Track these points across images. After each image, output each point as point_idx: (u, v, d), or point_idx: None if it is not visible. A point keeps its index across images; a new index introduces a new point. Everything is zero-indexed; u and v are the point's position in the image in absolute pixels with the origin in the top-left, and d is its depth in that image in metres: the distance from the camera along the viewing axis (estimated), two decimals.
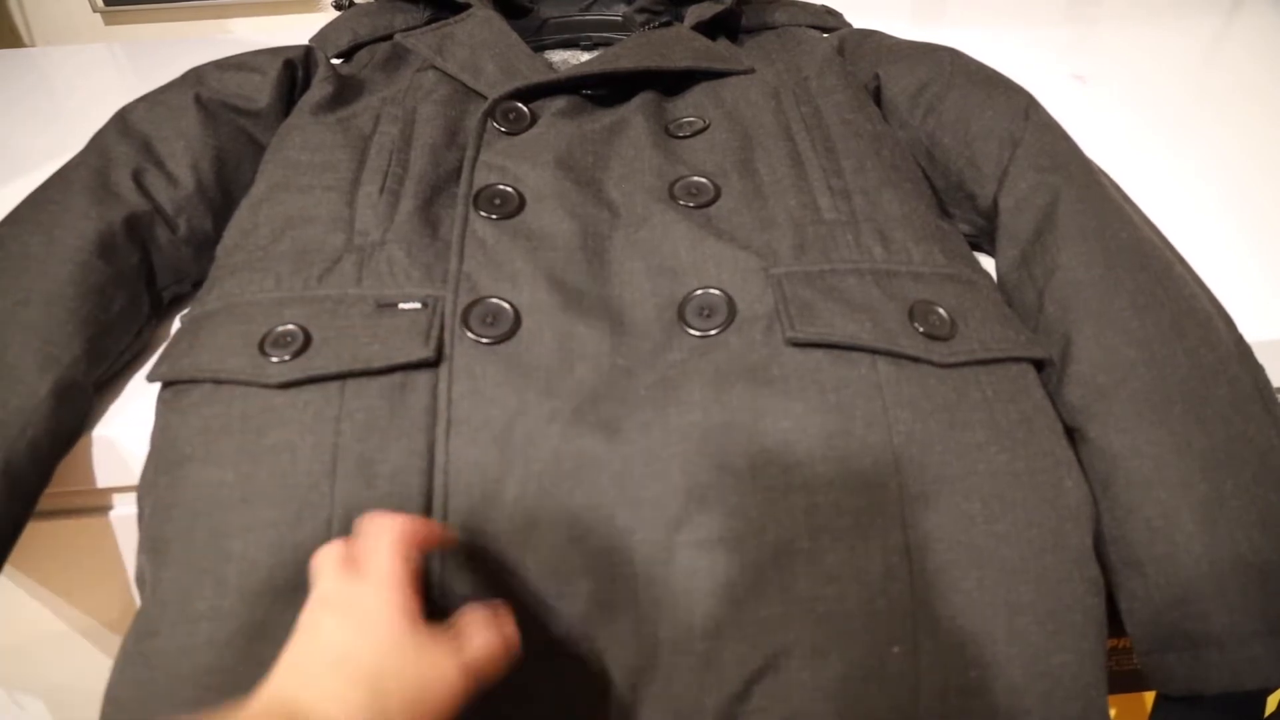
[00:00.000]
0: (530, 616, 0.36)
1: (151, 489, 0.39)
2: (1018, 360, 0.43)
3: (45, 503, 0.43)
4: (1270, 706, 0.40)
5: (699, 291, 0.43)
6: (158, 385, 0.43)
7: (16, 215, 0.50)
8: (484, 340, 0.41)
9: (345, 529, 0.36)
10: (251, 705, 0.28)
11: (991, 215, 0.52)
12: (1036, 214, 0.48)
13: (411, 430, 0.38)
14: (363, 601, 0.31)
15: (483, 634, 0.33)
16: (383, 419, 0.39)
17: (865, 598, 0.36)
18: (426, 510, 0.37)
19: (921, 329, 0.41)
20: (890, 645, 0.36)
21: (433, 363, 0.40)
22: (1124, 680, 0.61)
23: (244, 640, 0.35)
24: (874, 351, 0.41)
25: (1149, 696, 0.41)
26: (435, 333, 0.41)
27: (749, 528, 0.37)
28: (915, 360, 0.41)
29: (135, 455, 0.47)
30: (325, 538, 0.36)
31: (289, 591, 0.36)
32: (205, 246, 0.53)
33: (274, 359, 0.40)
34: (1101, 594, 0.39)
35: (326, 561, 0.33)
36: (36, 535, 0.52)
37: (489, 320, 0.42)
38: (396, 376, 0.40)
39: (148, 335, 0.51)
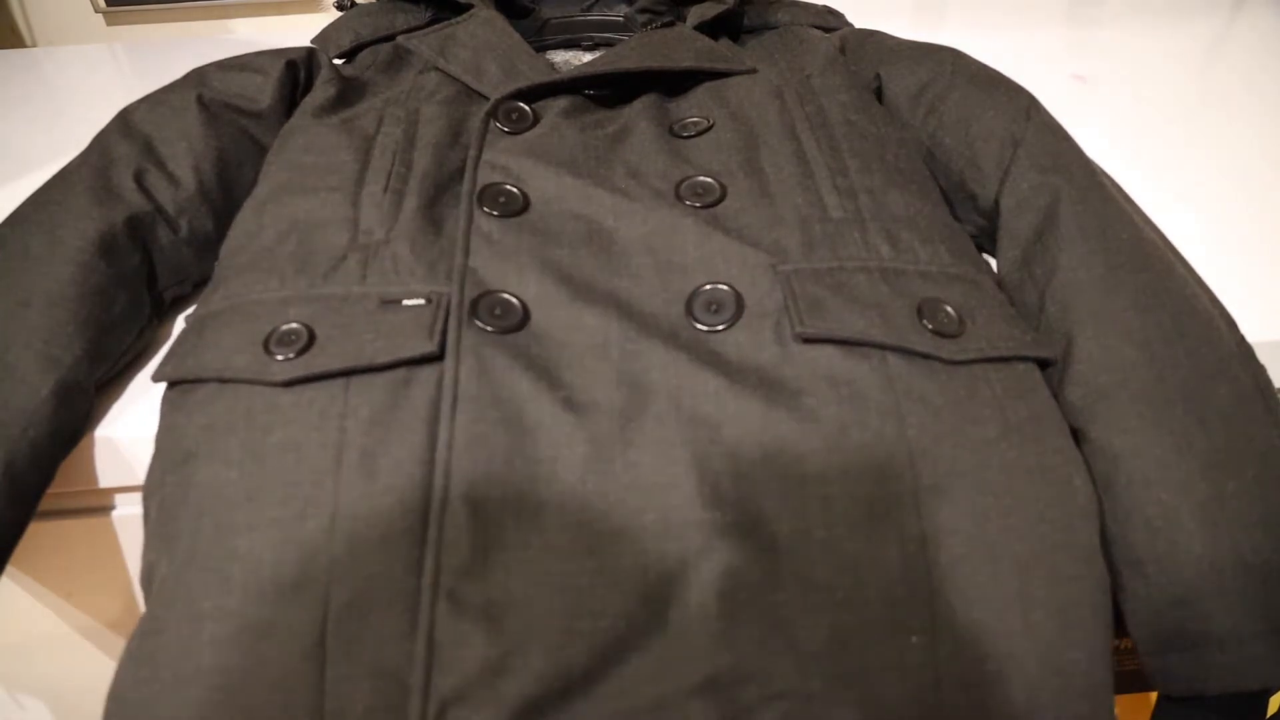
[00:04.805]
0: (533, 596, 0.36)
1: (158, 488, 0.39)
2: (1024, 359, 0.43)
3: (47, 503, 0.44)
4: (1272, 708, 0.40)
5: (707, 287, 0.43)
6: (160, 386, 0.43)
7: (18, 215, 0.50)
8: (490, 330, 0.41)
9: (348, 525, 0.36)
10: None
11: (993, 215, 0.52)
12: (1037, 214, 0.48)
13: (414, 422, 0.38)
14: None
15: None
16: (385, 413, 0.39)
17: (883, 586, 0.36)
18: (428, 499, 0.37)
19: (930, 326, 0.42)
20: (910, 635, 0.36)
21: (436, 357, 0.40)
22: (1126, 681, 0.61)
23: (248, 639, 0.35)
24: (883, 347, 0.41)
25: (1153, 697, 0.41)
26: (439, 328, 0.41)
27: (764, 516, 0.37)
28: (925, 356, 0.41)
29: (137, 455, 0.48)
30: (329, 534, 0.36)
31: (292, 590, 0.36)
32: (207, 247, 0.53)
33: (279, 357, 0.40)
34: (1109, 592, 0.39)
35: None
36: (38, 535, 0.53)
37: (497, 312, 0.42)
38: (400, 372, 0.40)
39: (149, 336, 0.51)
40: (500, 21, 0.62)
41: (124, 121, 0.56)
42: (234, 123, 0.58)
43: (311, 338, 0.41)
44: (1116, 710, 0.38)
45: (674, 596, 0.36)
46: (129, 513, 0.52)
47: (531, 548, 0.36)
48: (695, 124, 0.55)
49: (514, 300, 0.42)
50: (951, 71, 0.57)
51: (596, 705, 0.34)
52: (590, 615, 0.35)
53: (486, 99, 0.57)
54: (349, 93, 0.59)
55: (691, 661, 0.35)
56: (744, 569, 0.36)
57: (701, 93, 0.58)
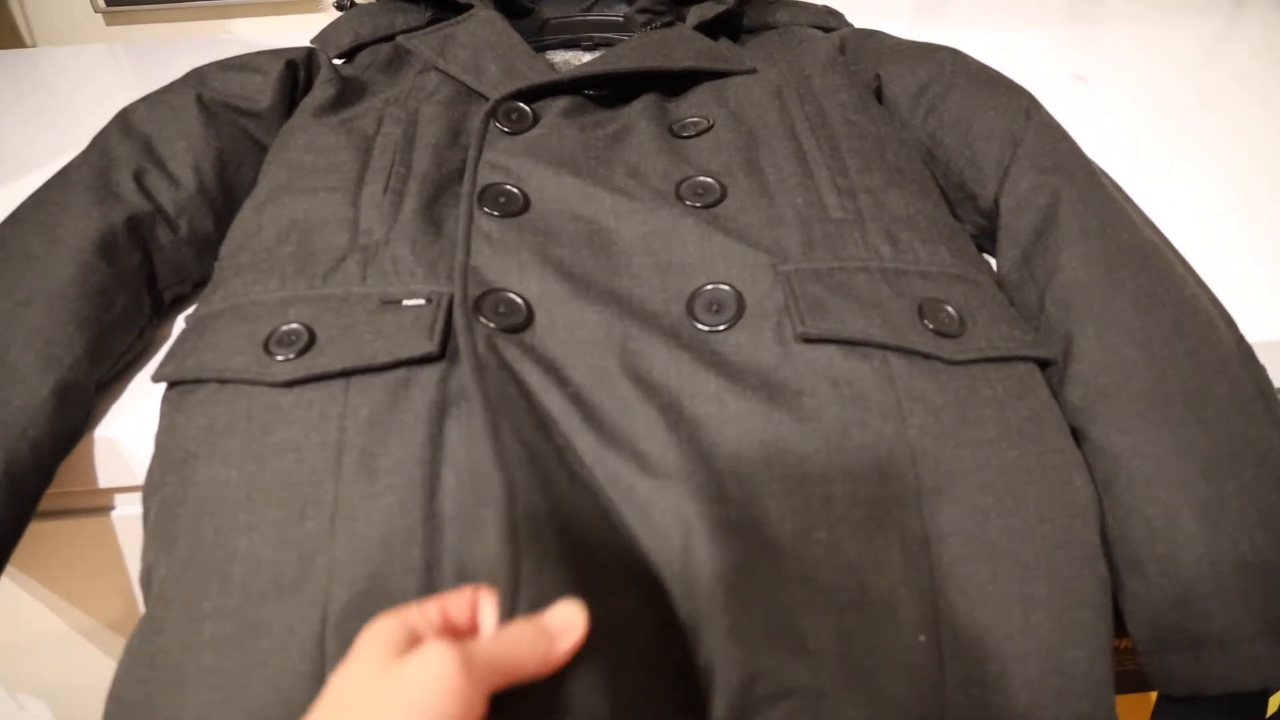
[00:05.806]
0: (549, 594, 0.36)
1: (158, 488, 0.40)
2: (1024, 359, 0.43)
3: (47, 503, 0.44)
4: (1272, 707, 0.40)
5: (708, 286, 0.43)
6: (160, 386, 0.43)
7: (18, 215, 0.50)
8: (495, 327, 0.41)
9: (347, 525, 0.36)
10: None
11: (992, 215, 0.52)
12: (1037, 214, 0.48)
13: (414, 422, 0.38)
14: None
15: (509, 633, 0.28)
16: (385, 414, 0.39)
17: (886, 587, 0.36)
18: (429, 499, 0.37)
19: (931, 326, 0.42)
20: (915, 634, 0.36)
21: (437, 358, 0.40)
22: (1126, 681, 0.61)
23: (248, 639, 0.35)
24: (884, 347, 0.41)
25: (1153, 697, 0.41)
26: (440, 328, 0.41)
27: (766, 516, 0.37)
28: (926, 356, 0.41)
29: (136, 455, 0.48)
30: (328, 534, 0.36)
31: (292, 590, 0.36)
32: (206, 247, 0.53)
33: (279, 358, 0.40)
34: (1109, 592, 0.39)
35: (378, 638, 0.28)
36: (38, 535, 0.53)
37: (501, 310, 0.42)
38: (400, 372, 0.40)
39: (149, 336, 0.51)
40: (500, 21, 0.62)
41: (124, 121, 0.56)
42: (234, 123, 0.58)
43: (312, 338, 0.41)
44: (1117, 710, 0.38)
45: (681, 592, 0.36)
46: (129, 513, 0.52)
47: (545, 539, 0.36)
48: (695, 124, 0.55)
49: (517, 299, 0.42)
50: (951, 71, 0.57)
51: (611, 701, 0.34)
52: (605, 612, 0.35)
53: (486, 99, 0.57)
54: (349, 93, 0.59)
55: (704, 657, 0.35)
56: (750, 568, 0.36)
57: (701, 93, 0.58)
